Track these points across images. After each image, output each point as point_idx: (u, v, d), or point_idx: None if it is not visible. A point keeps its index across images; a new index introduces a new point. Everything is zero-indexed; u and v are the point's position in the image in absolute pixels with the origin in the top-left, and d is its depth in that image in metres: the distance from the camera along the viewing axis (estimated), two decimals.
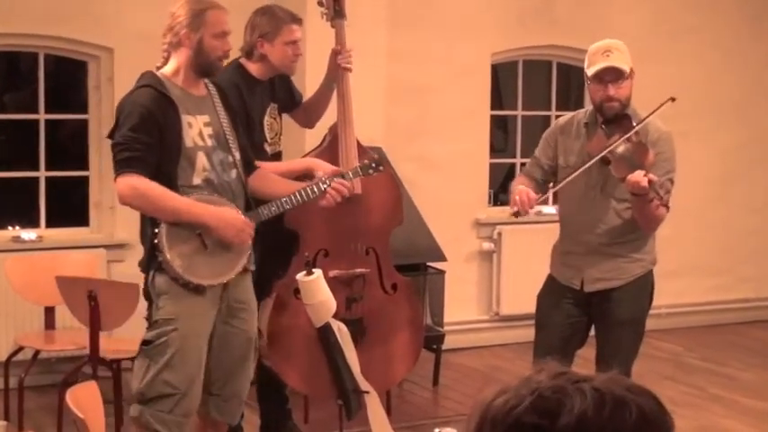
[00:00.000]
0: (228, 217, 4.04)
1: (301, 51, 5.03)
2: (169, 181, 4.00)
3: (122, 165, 3.97)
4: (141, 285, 4.33)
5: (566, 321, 4.61)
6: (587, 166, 4.41)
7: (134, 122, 3.96)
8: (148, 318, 4.13)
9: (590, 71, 4.50)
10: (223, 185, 4.13)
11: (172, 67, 4.13)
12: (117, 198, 4.13)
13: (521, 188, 4.43)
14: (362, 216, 5.00)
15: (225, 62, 4.31)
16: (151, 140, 3.96)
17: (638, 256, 4.62)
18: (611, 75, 4.50)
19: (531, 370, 1.54)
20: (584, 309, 4.61)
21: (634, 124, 4.46)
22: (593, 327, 4.69)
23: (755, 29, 8.44)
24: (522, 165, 5.17)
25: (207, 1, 4.13)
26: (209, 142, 4.11)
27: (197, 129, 4.09)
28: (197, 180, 4.07)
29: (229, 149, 4.17)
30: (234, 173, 4.18)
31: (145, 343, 4.07)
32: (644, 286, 4.65)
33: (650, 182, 4.26)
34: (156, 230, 3.98)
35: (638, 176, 4.25)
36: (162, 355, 4.01)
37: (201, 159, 4.09)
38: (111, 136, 4.09)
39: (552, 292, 4.66)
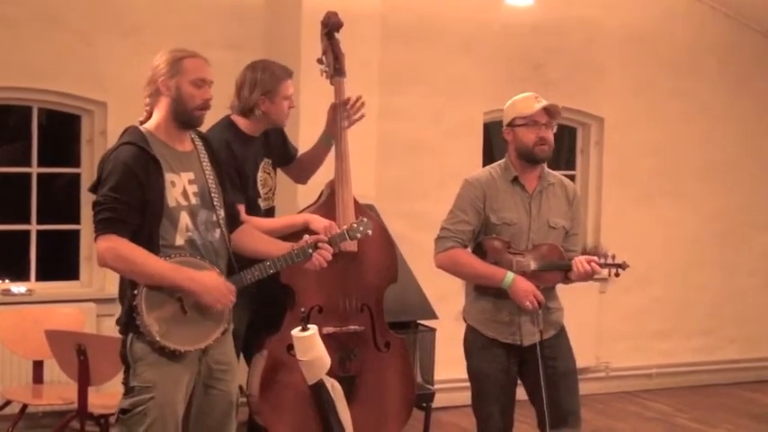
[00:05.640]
0: (210, 283, 3.91)
1: (294, 104, 5.02)
2: (150, 241, 3.86)
3: (103, 225, 3.82)
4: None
5: (509, 378, 4.67)
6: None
7: (115, 182, 3.82)
8: (125, 383, 3.96)
9: (532, 110, 4.58)
10: (206, 246, 3.99)
11: (154, 122, 4.00)
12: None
13: (530, 288, 4.50)
14: (357, 273, 4.99)
15: (205, 112, 4.09)
16: (132, 200, 3.82)
17: (559, 306, 4.75)
18: (548, 116, 4.61)
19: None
20: (517, 360, 4.66)
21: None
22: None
23: (739, 94, 8.57)
24: None
25: (186, 50, 4.03)
26: (194, 201, 3.98)
27: (180, 187, 3.96)
28: (179, 240, 3.93)
29: (214, 208, 4.03)
30: (218, 233, 4.04)
31: (122, 412, 3.93)
32: (566, 335, 4.77)
33: (599, 264, 4.55)
34: (135, 292, 3.84)
35: (585, 269, 4.50)
36: (140, 425, 3.87)
37: (185, 219, 3.95)
38: (92, 190, 3.97)
39: (488, 352, 4.66)
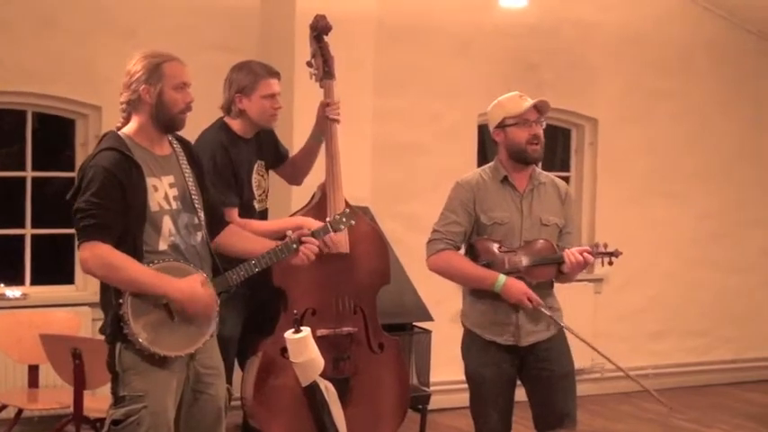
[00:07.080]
0: (194, 292, 3.86)
1: (281, 105, 5.00)
2: (134, 246, 3.82)
3: (86, 232, 3.77)
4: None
5: (507, 381, 4.65)
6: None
7: (97, 188, 3.77)
8: (113, 392, 3.91)
9: (522, 108, 4.57)
10: (189, 250, 3.96)
11: (133, 127, 3.95)
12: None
13: (524, 288, 4.51)
14: (350, 275, 5.00)
15: (187, 114, 4.03)
16: (115, 206, 3.77)
17: (557, 307, 4.73)
18: (537, 113, 4.61)
19: None
20: (515, 363, 4.65)
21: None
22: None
23: (733, 95, 8.57)
24: None
25: (161, 54, 3.98)
26: (175, 205, 3.94)
27: (162, 191, 3.92)
28: (163, 245, 3.89)
29: (195, 210, 4.00)
30: (199, 235, 4.01)
31: (114, 423, 3.86)
32: (565, 336, 4.74)
33: (591, 253, 4.55)
34: (121, 300, 3.79)
35: (578, 259, 4.50)
36: None
37: (167, 224, 3.91)
38: (72, 199, 3.89)
39: (486, 356, 4.65)
